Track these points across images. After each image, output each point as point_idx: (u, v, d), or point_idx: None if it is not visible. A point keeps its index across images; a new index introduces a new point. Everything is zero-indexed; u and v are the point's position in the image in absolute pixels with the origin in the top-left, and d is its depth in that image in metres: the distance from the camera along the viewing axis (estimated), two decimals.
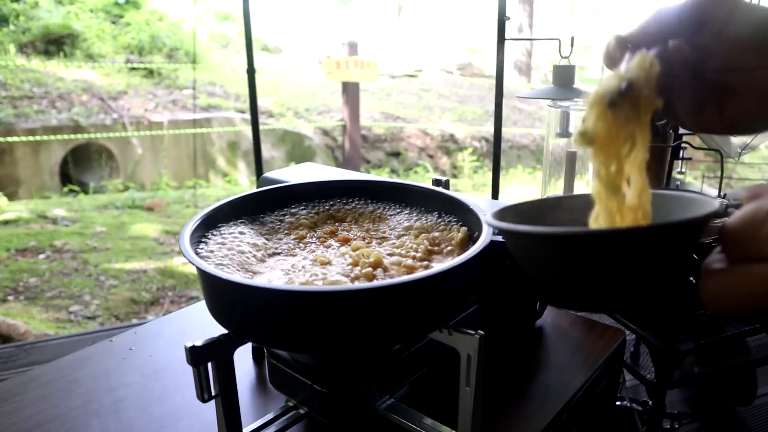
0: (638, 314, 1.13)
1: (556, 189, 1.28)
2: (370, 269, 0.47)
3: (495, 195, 1.65)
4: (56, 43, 5.76)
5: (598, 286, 0.31)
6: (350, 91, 5.13)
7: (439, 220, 0.58)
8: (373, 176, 0.74)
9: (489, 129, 6.12)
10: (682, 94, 0.37)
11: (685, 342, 1.06)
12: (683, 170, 1.35)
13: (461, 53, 8.67)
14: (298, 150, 5.60)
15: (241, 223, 0.57)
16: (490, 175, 2.19)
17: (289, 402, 0.56)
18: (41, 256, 3.17)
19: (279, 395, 0.58)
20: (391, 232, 0.57)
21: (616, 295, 0.31)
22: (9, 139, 4.47)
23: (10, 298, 2.71)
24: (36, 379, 0.65)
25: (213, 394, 0.45)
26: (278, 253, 0.53)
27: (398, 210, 0.62)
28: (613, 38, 0.37)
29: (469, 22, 9.54)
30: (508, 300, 0.66)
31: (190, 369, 0.43)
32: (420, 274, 0.43)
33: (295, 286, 0.43)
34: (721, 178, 1.06)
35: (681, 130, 1.28)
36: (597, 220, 0.36)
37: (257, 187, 0.65)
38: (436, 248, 0.53)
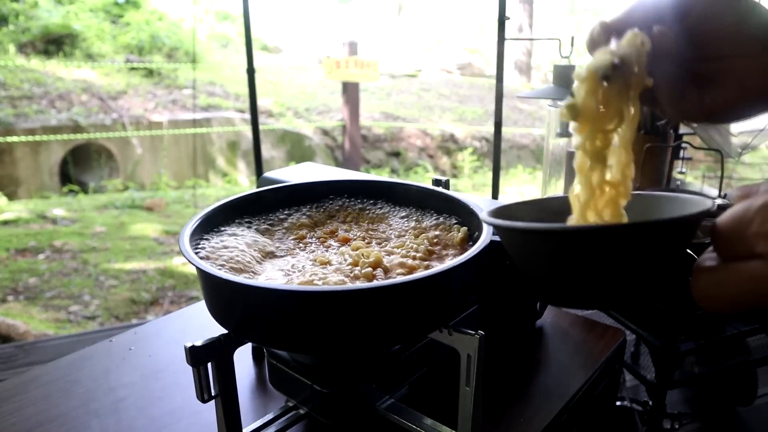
0: (638, 314, 1.13)
1: (557, 189, 1.28)
2: (369, 269, 0.47)
3: (495, 195, 1.65)
4: (56, 43, 5.76)
5: (591, 282, 0.31)
6: (350, 91, 5.12)
7: (439, 220, 0.58)
8: (373, 176, 0.74)
9: (489, 129, 6.12)
10: (664, 81, 0.37)
11: (686, 342, 1.06)
12: (683, 170, 1.35)
13: (461, 53, 8.67)
14: (297, 150, 5.60)
15: (240, 223, 0.57)
16: (490, 175, 2.19)
17: (289, 402, 0.56)
18: (41, 256, 3.17)
19: (279, 395, 0.58)
20: (391, 232, 0.57)
21: (608, 292, 0.32)
22: (9, 139, 4.46)
23: (10, 298, 2.71)
24: (36, 379, 0.65)
25: (213, 394, 0.45)
26: (278, 253, 0.53)
27: (398, 210, 0.62)
28: (598, 24, 0.38)
29: (469, 22, 9.54)
30: (508, 300, 0.66)
31: (189, 369, 0.43)
32: (420, 274, 0.43)
33: (295, 286, 0.43)
34: (722, 178, 1.06)
35: (681, 130, 1.29)
36: (576, 195, 0.36)
37: (257, 187, 0.65)
38: (436, 248, 0.52)
